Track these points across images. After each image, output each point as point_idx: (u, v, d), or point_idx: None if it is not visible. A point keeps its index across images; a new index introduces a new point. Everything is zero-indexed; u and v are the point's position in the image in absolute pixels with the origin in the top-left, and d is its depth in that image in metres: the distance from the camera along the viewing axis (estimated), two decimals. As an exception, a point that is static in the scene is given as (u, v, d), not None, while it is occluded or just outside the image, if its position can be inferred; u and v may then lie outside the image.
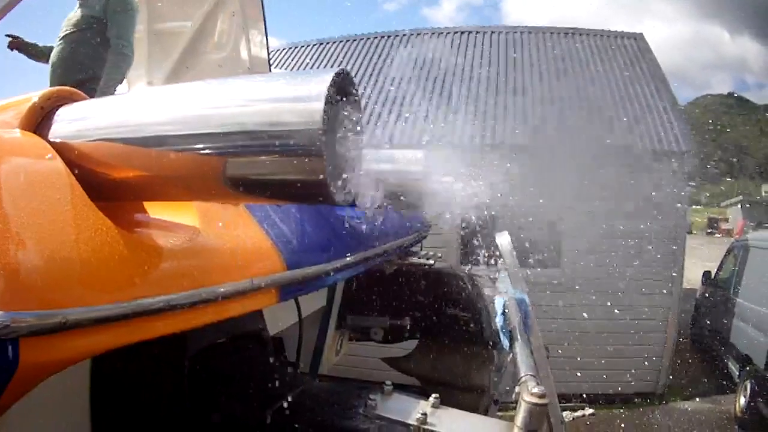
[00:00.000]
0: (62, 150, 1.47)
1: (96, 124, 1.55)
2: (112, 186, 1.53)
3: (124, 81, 6.05)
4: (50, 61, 5.93)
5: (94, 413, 1.88)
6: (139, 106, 1.59)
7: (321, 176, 1.34)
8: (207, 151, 1.40)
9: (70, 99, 1.66)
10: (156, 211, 1.81)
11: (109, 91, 5.48)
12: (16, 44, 6.47)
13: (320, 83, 1.35)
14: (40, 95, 1.59)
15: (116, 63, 5.66)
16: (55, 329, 1.14)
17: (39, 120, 1.56)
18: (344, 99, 1.46)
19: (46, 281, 1.19)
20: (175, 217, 1.81)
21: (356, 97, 1.52)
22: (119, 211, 1.56)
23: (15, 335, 1.08)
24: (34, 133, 1.53)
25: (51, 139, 1.51)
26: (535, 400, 1.73)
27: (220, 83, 1.56)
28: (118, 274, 1.36)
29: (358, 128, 1.52)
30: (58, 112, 1.59)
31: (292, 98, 1.38)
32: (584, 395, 11.71)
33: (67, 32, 5.88)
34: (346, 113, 1.47)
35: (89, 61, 5.70)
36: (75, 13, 5.90)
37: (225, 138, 1.38)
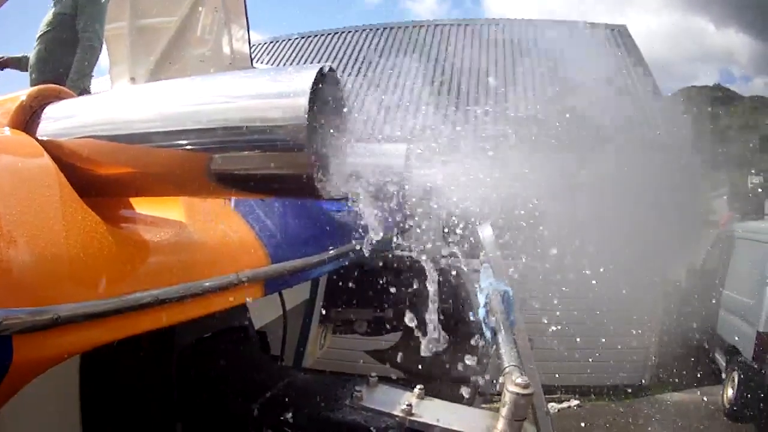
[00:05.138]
0: (51, 147, 1.49)
1: (83, 121, 1.57)
2: (99, 182, 1.55)
3: (107, 77, 6.02)
4: (29, 63, 5.91)
5: (84, 407, 1.90)
6: (125, 104, 1.61)
7: (306, 170, 1.36)
8: (193, 147, 1.42)
9: (57, 97, 1.67)
10: (143, 206, 1.82)
11: (77, 84, 5.43)
12: (3, 63, 6.43)
13: (305, 79, 1.38)
14: (27, 94, 1.60)
15: (82, 55, 5.62)
16: (48, 325, 1.16)
17: (27, 118, 1.57)
18: (328, 94, 1.48)
19: (37, 278, 1.20)
20: (161, 213, 1.82)
21: (341, 92, 1.54)
22: (107, 207, 1.57)
23: (8, 332, 1.09)
24: (23, 131, 1.54)
25: (39, 137, 1.52)
26: (519, 390, 1.75)
27: (205, 80, 1.58)
28: (107, 269, 1.38)
29: (343, 122, 1.55)
30: (45, 110, 1.60)
31: (277, 94, 1.40)
32: (571, 387, 11.76)
33: (42, 32, 5.85)
34: (330, 108, 1.50)
35: (63, 58, 5.66)
36: (50, 12, 5.88)
37: (211, 134, 1.40)
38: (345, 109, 1.57)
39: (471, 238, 3.07)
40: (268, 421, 2.14)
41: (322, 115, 1.44)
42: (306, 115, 1.32)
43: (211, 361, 2.26)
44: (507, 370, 1.89)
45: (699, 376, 12.69)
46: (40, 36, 5.86)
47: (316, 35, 21.02)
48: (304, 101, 1.33)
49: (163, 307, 1.50)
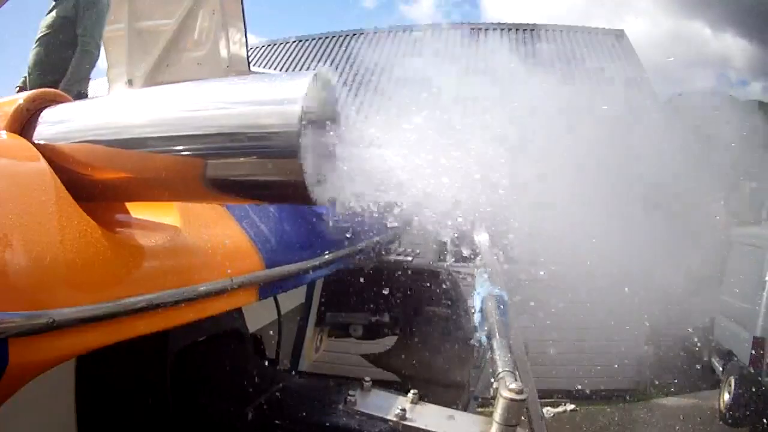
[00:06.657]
0: (47, 152, 1.49)
1: (79, 126, 1.57)
2: (95, 187, 1.55)
3: (105, 79, 6.04)
4: (27, 65, 5.90)
5: (79, 411, 1.90)
6: (121, 109, 1.61)
7: (299, 177, 1.37)
8: (187, 153, 1.42)
9: (55, 101, 1.67)
10: (138, 211, 1.83)
11: (73, 89, 5.42)
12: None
13: (298, 86, 1.38)
14: (25, 97, 1.61)
15: (79, 60, 5.60)
16: (43, 329, 1.16)
17: (24, 122, 1.58)
18: (323, 100, 1.48)
19: (33, 282, 1.21)
20: (156, 218, 1.83)
21: (335, 98, 1.55)
22: (102, 212, 1.58)
23: (4, 336, 1.10)
24: (20, 135, 1.55)
25: (36, 141, 1.53)
26: (512, 395, 1.74)
27: (201, 85, 1.59)
28: (102, 274, 1.39)
29: (336, 129, 1.55)
30: (42, 114, 1.60)
31: (271, 101, 1.41)
32: (566, 391, 11.71)
33: (41, 34, 5.83)
34: (323, 115, 1.50)
35: (61, 61, 5.64)
36: (50, 15, 5.87)
37: (205, 140, 1.41)
38: (339, 115, 1.58)
39: (467, 243, 3.07)
40: (262, 424, 2.14)
41: (316, 122, 1.45)
42: (299, 122, 1.32)
43: (206, 364, 2.26)
44: (501, 375, 1.89)
45: (695, 380, 12.65)
46: (39, 38, 5.84)
47: (314, 39, 21.03)
48: (297, 108, 1.33)
49: (157, 311, 1.51)
